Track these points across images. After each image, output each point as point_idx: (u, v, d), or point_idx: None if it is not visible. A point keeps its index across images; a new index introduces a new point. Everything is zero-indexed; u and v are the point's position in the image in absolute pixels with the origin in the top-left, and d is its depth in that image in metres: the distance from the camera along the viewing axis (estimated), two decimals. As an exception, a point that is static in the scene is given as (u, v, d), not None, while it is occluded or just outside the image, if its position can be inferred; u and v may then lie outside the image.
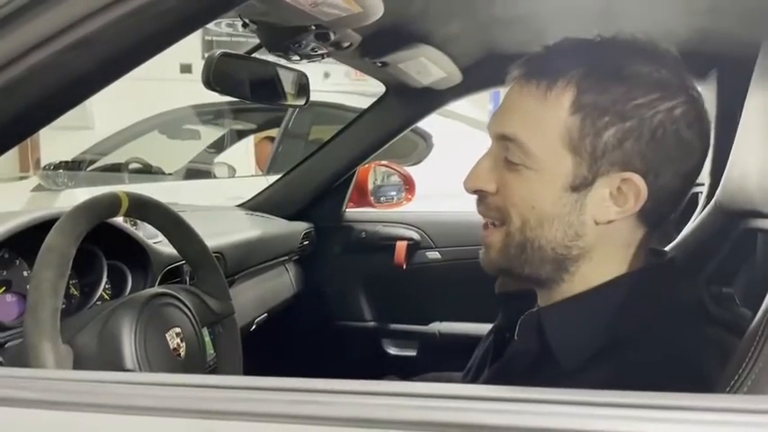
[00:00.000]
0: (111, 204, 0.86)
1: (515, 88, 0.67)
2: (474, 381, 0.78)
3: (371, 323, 1.90)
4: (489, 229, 0.70)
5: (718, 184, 0.83)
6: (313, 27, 1.00)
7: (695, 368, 0.63)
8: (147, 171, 3.51)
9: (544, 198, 0.65)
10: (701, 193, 1.20)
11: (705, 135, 0.66)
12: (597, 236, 0.65)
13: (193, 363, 0.92)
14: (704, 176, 1.13)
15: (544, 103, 0.64)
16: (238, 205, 1.91)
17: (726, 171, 0.79)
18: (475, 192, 0.70)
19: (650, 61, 0.64)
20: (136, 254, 1.13)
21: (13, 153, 5.27)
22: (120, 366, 0.80)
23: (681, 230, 1.00)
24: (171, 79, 4.88)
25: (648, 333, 0.63)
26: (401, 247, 1.83)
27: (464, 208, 1.95)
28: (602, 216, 0.65)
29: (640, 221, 0.66)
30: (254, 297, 1.54)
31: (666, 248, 0.89)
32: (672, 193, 0.66)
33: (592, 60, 0.64)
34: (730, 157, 0.78)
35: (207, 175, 3.70)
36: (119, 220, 1.09)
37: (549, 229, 0.65)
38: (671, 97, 0.63)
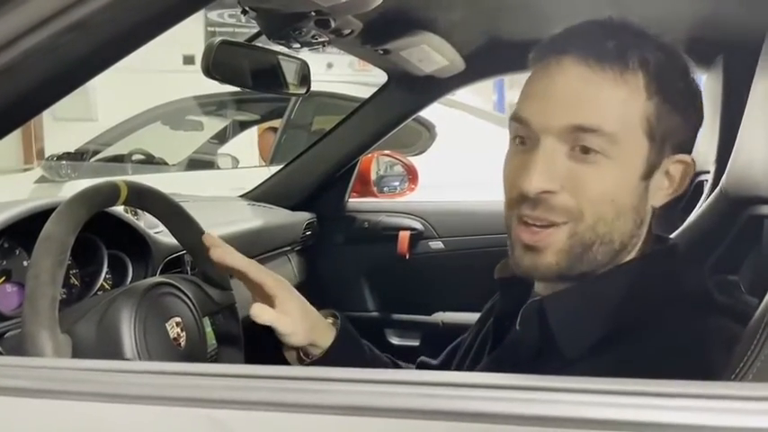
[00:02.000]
0: (110, 193, 0.85)
1: (577, 73, 0.61)
2: (472, 368, 0.78)
3: (374, 313, 1.90)
4: (546, 231, 0.63)
5: (724, 171, 0.82)
6: (313, 13, 0.99)
7: (699, 356, 0.63)
8: (150, 162, 3.52)
9: (622, 189, 0.62)
10: (707, 180, 1.19)
11: (702, 109, 0.68)
12: (648, 221, 0.66)
13: (194, 352, 0.91)
14: (709, 164, 1.12)
15: (620, 87, 0.61)
16: (241, 195, 1.91)
17: (731, 158, 0.79)
18: (540, 194, 0.62)
19: (671, 45, 0.65)
20: (136, 244, 1.13)
21: (16, 144, 5.28)
22: (119, 356, 0.79)
23: (686, 218, 0.99)
24: (173, 70, 4.88)
25: (652, 321, 0.63)
26: (404, 237, 1.83)
27: (467, 197, 1.95)
28: (659, 200, 0.65)
29: None
30: (257, 287, 1.54)
31: (671, 236, 0.88)
32: None
33: (641, 42, 0.63)
34: (736, 144, 0.77)
35: (210, 165, 3.71)
36: (119, 209, 1.08)
37: (624, 221, 0.63)
38: (694, 77, 0.65)
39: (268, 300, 0.80)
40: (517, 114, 0.65)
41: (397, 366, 0.95)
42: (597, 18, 0.66)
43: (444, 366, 0.91)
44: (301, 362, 0.84)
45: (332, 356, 0.81)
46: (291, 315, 0.80)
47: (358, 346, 0.88)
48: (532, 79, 0.66)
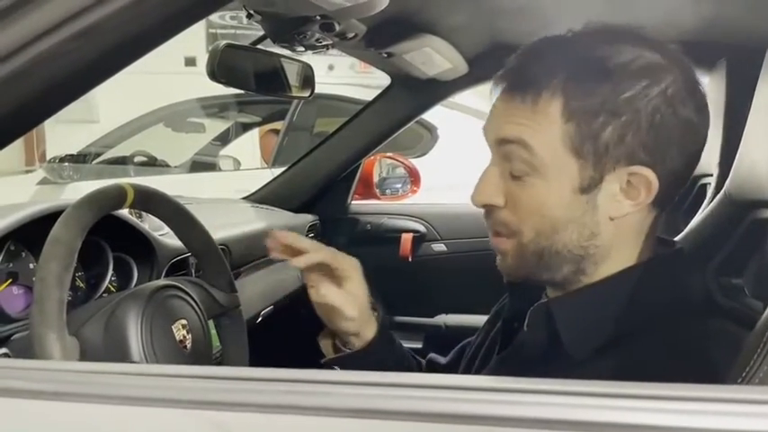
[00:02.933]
0: (116, 196, 0.85)
1: (502, 103, 0.66)
2: (481, 369, 0.78)
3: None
4: (500, 239, 0.68)
5: (728, 174, 0.82)
6: (318, 17, 0.99)
7: (704, 359, 0.63)
8: (153, 164, 3.52)
9: (554, 205, 0.64)
10: (710, 184, 1.19)
11: (702, 107, 0.64)
12: (614, 231, 0.65)
13: (199, 355, 0.91)
14: (713, 167, 1.12)
15: (535, 114, 0.63)
16: (244, 198, 1.91)
17: (735, 161, 0.78)
18: (483, 206, 0.68)
19: (630, 48, 0.62)
20: (142, 246, 1.13)
21: (18, 146, 5.29)
22: (126, 358, 0.80)
23: (689, 222, 0.99)
24: (175, 72, 4.87)
25: (657, 324, 0.63)
26: (406, 239, 1.83)
27: (469, 200, 1.95)
28: (617, 212, 0.64)
29: (651, 207, 0.66)
30: (260, 289, 1.54)
31: (675, 239, 0.88)
32: (679, 174, 0.65)
33: (571, 61, 0.63)
34: (740, 148, 0.77)
35: (212, 167, 3.71)
36: (124, 212, 1.09)
37: (564, 233, 0.64)
38: (660, 80, 0.61)
39: (336, 281, 0.81)
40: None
41: (420, 366, 0.95)
42: (593, 22, 0.66)
43: (452, 365, 0.92)
44: (336, 351, 0.84)
45: (372, 350, 0.82)
46: (359, 300, 0.81)
47: (394, 342, 0.89)
48: None
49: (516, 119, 0.64)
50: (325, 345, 0.85)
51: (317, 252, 0.81)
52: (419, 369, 0.95)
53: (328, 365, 0.84)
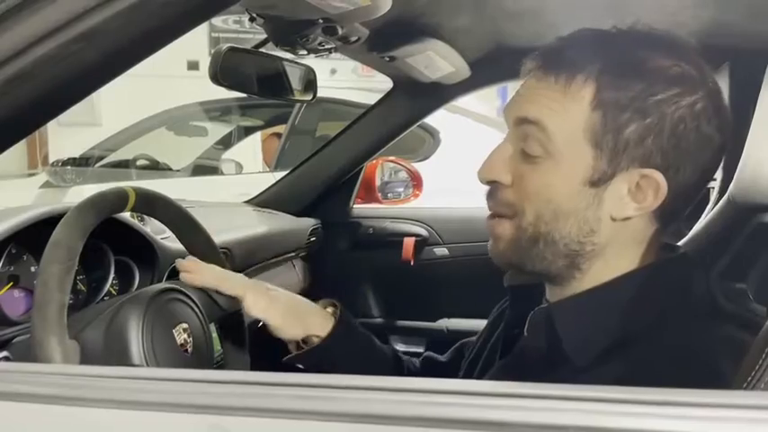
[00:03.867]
0: (118, 199, 0.85)
1: (532, 81, 0.66)
2: (482, 374, 0.78)
3: (379, 319, 1.89)
4: (497, 220, 0.68)
5: (731, 178, 0.82)
6: (320, 21, 0.99)
7: (707, 365, 0.63)
8: (155, 167, 3.52)
9: (561, 192, 0.64)
10: (714, 188, 1.18)
11: (725, 128, 0.64)
12: (612, 232, 0.65)
13: (201, 358, 0.91)
14: (716, 171, 1.12)
15: (564, 97, 0.63)
16: (246, 201, 1.91)
17: (739, 165, 0.78)
18: (489, 183, 0.68)
19: (669, 55, 0.63)
20: (143, 249, 1.13)
21: (21, 150, 5.31)
22: (127, 362, 0.79)
23: (692, 226, 0.99)
24: (178, 76, 4.90)
25: (660, 329, 0.63)
26: (409, 243, 1.83)
27: (472, 204, 1.95)
28: (619, 212, 0.64)
29: (655, 218, 0.65)
30: (262, 293, 1.54)
31: (679, 244, 0.88)
32: (689, 189, 0.65)
33: (610, 54, 0.63)
34: (744, 151, 0.77)
35: (214, 171, 3.71)
36: (126, 215, 1.09)
37: (565, 224, 0.64)
38: (691, 92, 0.62)
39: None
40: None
41: (398, 360, 0.96)
42: (597, 26, 0.66)
43: (451, 364, 0.92)
44: (299, 350, 0.89)
45: (330, 344, 0.87)
46: (273, 310, 0.89)
47: (358, 334, 0.93)
48: None
49: (543, 99, 0.64)
50: (291, 347, 0.90)
51: (203, 277, 0.91)
52: (399, 365, 0.96)
53: (289, 365, 0.89)
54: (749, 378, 0.47)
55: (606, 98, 0.62)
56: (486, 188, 0.70)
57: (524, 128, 0.65)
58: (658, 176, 0.62)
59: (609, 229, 0.64)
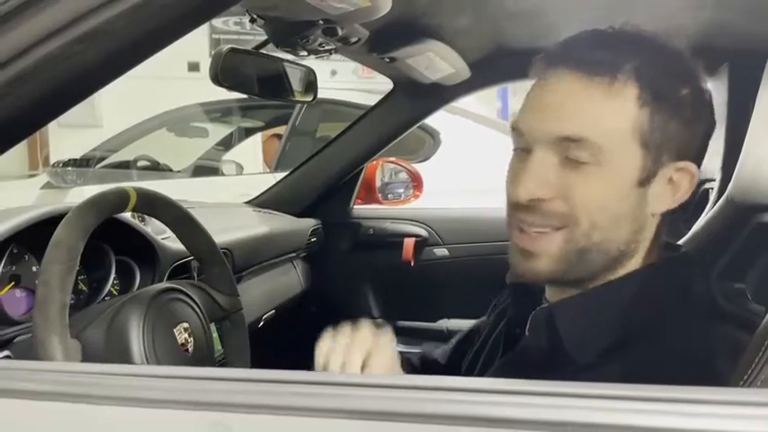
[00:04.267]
0: (119, 199, 0.86)
1: (567, 83, 0.62)
2: (483, 372, 0.78)
3: (379, 320, 1.90)
4: (541, 236, 0.64)
5: (730, 178, 0.82)
6: (321, 22, 1.00)
7: (706, 363, 0.63)
8: (156, 168, 3.52)
9: (614, 196, 0.62)
10: (713, 188, 1.19)
11: (713, 118, 0.68)
12: (651, 228, 0.66)
13: (201, 358, 0.92)
14: (715, 171, 1.12)
15: (609, 97, 0.61)
16: (246, 202, 1.91)
17: (738, 165, 0.79)
18: (531, 201, 0.63)
19: (677, 53, 0.65)
20: (144, 249, 1.13)
21: (22, 151, 5.31)
22: (128, 361, 0.80)
23: (691, 226, 0.99)
24: (178, 77, 4.89)
25: (659, 328, 0.63)
26: (409, 243, 1.83)
27: (472, 204, 1.95)
28: (660, 207, 0.65)
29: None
30: (262, 293, 1.54)
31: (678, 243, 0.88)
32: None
33: (640, 51, 0.64)
34: (743, 152, 0.77)
35: (215, 172, 3.71)
36: (127, 215, 1.09)
37: (620, 228, 0.63)
38: (703, 85, 0.65)
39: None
40: (514, 125, 0.67)
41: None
42: (597, 27, 0.67)
43: (451, 359, 0.91)
44: None
45: None
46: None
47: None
48: (530, 91, 0.67)
49: (585, 107, 0.61)
50: None
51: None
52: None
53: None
54: (746, 376, 0.48)
55: (650, 95, 0.62)
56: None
57: (566, 144, 0.62)
58: (692, 167, 0.64)
59: (650, 225, 0.66)
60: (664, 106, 0.62)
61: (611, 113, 0.61)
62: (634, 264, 0.66)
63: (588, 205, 0.62)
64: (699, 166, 0.66)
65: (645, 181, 0.63)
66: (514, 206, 0.65)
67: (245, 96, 2.63)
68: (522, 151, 0.66)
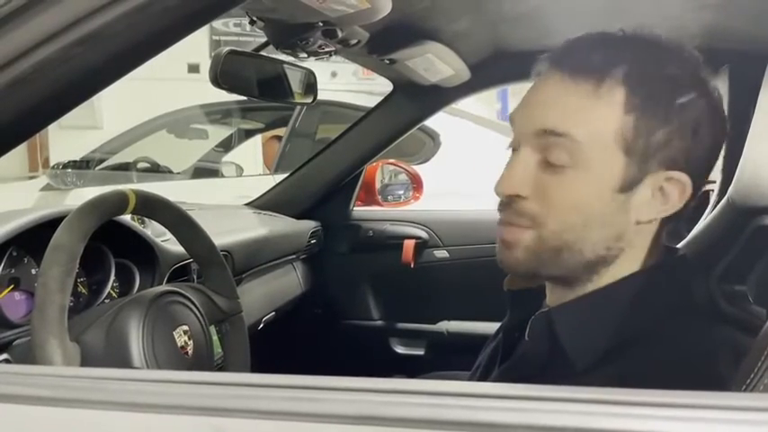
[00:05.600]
0: (118, 202, 0.85)
1: (554, 83, 0.64)
2: (482, 380, 0.78)
3: (379, 322, 1.90)
4: (514, 228, 0.66)
5: (731, 181, 0.82)
6: (320, 24, 0.99)
7: (707, 367, 0.63)
8: (155, 170, 3.52)
9: (591, 200, 0.62)
10: (713, 190, 1.19)
11: (725, 128, 0.66)
12: (634, 235, 0.65)
13: (201, 361, 0.91)
14: (716, 174, 1.12)
15: (596, 100, 0.61)
16: (246, 204, 1.91)
17: (739, 168, 0.78)
18: (509, 197, 0.66)
19: (683, 58, 0.64)
20: (143, 252, 1.13)
21: (22, 153, 5.31)
22: (127, 364, 0.79)
23: (692, 228, 0.99)
24: (178, 79, 4.90)
25: (660, 331, 0.63)
26: (409, 245, 1.83)
27: (472, 206, 1.95)
28: (646, 215, 0.64)
29: (666, 218, 0.66)
30: (262, 295, 1.54)
31: (678, 246, 0.88)
32: (699, 187, 0.66)
33: (633, 57, 0.63)
34: (743, 154, 0.77)
35: (215, 174, 3.72)
36: (126, 218, 1.09)
37: (593, 231, 0.63)
38: (704, 94, 0.63)
39: None
40: (510, 117, 0.68)
41: None
42: (598, 30, 0.66)
43: None
44: None
45: None
46: None
47: None
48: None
49: (570, 106, 0.62)
50: None
51: None
52: None
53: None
54: (748, 380, 0.47)
55: (637, 101, 0.61)
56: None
57: (548, 139, 0.63)
58: (684, 178, 0.63)
59: (632, 233, 0.64)
60: (652, 114, 0.61)
61: (595, 116, 0.62)
62: (620, 268, 0.66)
63: (562, 207, 0.63)
64: (701, 177, 0.64)
65: (627, 187, 0.62)
66: (499, 201, 0.68)
67: (244, 98, 2.63)
68: (513, 149, 0.68)
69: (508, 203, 0.66)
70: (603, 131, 0.61)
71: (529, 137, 0.65)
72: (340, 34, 1.04)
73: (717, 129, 0.64)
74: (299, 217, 1.82)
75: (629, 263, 0.66)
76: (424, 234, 1.87)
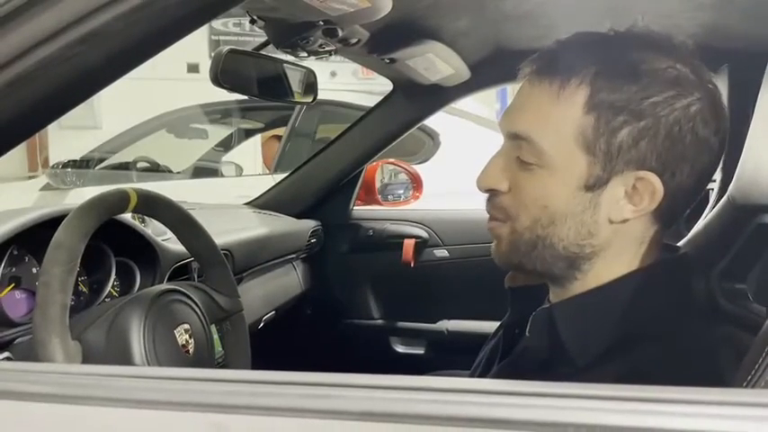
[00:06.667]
0: (119, 201, 0.86)
1: (527, 86, 0.66)
2: (482, 377, 0.78)
3: (379, 321, 1.90)
4: (496, 223, 0.70)
5: (731, 179, 0.82)
6: (321, 23, 1.00)
7: (708, 364, 0.63)
8: (155, 170, 3.52)
9: (557, 197, 0.64)
10: (713, 189, 1.19)
11: (722, 131, 0.64)
12: (611, 234, 0.65)
13: (202, 359, 0.92)
14: (716, 172, 1.12)
15: (557, 101, 0.63)
16: (246, 203, 1.91)
17: (739, 166, 0.78)
18: (487, 191, 0.70)
19: (666, 56, 0.62)
20: (144, 251, 1.13)
21: (21, 152, 5.31)
22: (128, 363, 0.80)
23: (691, 227, 0.99)
24: (178, 79, 4.90)
25: (660, 329, 0.63)
26: (409, 245, 1.83)
27: (472, 205, 1.95)
28: (617, 215, 0.64)
29: (654, 219, 0.65)
30: (262, 294, 1.54)
31: (678, 244, 0.88)
32: (687, 191, 0.65)
33: (605, 56, 0.63)
34: (743, 152, 0.77)
35: (214, 173, 3.72)
36: (127, 217, 1.09)
37: (561, 227, 0.65)
38: (687, 94, 0.61)
39: None
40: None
41: None
42: (595, 29, 0.67)
43: None
44: None
45: None
46: None
47: None
48: None
49: (533, 108, 0.65)
50: None
51: None
52: None
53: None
54: (749, 376, 0.47)
55: (599, 101, 0.61)
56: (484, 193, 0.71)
57: (518, 141, 0.66)
58: (654, 179, 0.62)
59: (607, 232, 0.64)
60: (615, 113, 0.61)
61: (555, 118, 0.63)
62: (604, 267, 0.66)
63: (531, 202, 0.66)
64: (697, 178, 0.63)
65: (593, 186, 0.63)
66: None
67: (244, 98, 2.64)
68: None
69: (490, 198, 0.70)
70: (563, 132, 0.63)
71: (506, 138, 0.69)
72: (340, 33, 1.04)
73: (706, 131, 0.62)
74: (299, 216, 1.82)
75: (613, 262, 0.66)
76: (424, 233, 1.87)
